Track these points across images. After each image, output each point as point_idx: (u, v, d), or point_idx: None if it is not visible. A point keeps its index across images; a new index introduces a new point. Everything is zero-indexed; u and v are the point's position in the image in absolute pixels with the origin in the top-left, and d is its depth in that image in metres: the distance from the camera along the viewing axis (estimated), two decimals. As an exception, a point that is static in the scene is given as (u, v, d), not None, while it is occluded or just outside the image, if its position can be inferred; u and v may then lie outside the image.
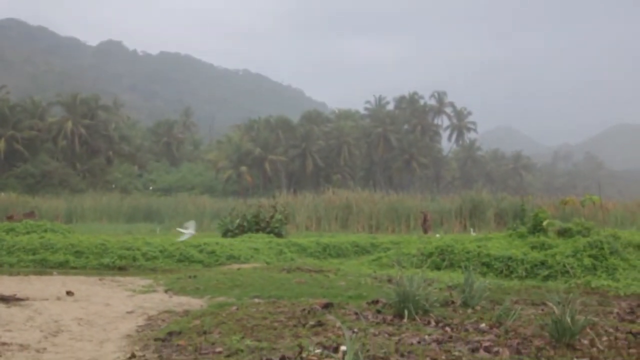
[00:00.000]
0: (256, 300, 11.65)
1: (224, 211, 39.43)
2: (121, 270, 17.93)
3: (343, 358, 6.79)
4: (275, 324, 9.23)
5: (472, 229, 34.76)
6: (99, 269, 17.86)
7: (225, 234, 28.63)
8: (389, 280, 14.27)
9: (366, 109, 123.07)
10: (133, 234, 30.85)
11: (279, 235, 27.90)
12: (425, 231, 33.79)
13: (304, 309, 10.39)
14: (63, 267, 18.16)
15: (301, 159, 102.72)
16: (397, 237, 28.98)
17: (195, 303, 11.51)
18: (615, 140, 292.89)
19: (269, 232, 28.00)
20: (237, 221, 29.66)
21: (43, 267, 18.35)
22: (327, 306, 10.68)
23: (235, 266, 18.55)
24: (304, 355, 7.16)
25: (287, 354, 7.20)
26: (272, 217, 30.12)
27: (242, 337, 8.16)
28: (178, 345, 7.91)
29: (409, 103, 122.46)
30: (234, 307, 10.67)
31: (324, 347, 7.57)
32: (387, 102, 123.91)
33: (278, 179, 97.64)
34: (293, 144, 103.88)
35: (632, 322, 9.74)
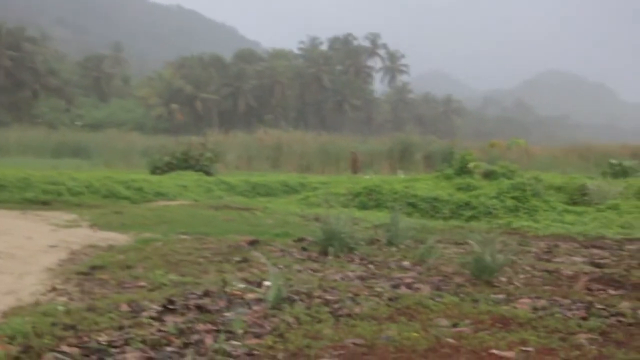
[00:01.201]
0: (182, 236, 11.56)
1: (154, 149, 38.75)
2: (45, 205, 17.38)
3: (266, 293, 6.82)
4: (200, 260, 9.20)
5: (400, 171, 35.02)
6: (22, 203, 17.28)
7: (153, 172, 28.23)
8: (316, 219, 14.33)
9: (300, 49, 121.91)
10: (59, 169, 30.09)
11: (208, 173, 27.68)
12: (355, 172, 34.02)
13: (230, 246, 10.40)
14: (-17, 201, 17.56)
15: (233, 98, 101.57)
16: (327, 177, 29.06)
17: (120, 238, 11.33)
18: (545, 86, 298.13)
19: (198, 170, 27.74)
20: (166, 159, 29.29)
21: (-38, 200, 17.71)
22: (253, 243, 10.72)
23: (163, 203, 18.36)
24: (227, 289, 7.16)
25: (210, 288, 7.19)
26: (201, 155, 29.85)
27: (166, 272, 8.10)
28: (100, 279, 7.81)
29: (343, 44, 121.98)
30: (159, 243, 10.59)
31: (248, 283, 7.60)
32: (321, 43, 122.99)
33: (209, 118, 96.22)
34: (225, 83, 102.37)
35: (548, 261, 10.07)
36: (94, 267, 8.50)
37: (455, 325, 6.09)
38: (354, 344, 5.47)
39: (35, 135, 52.99)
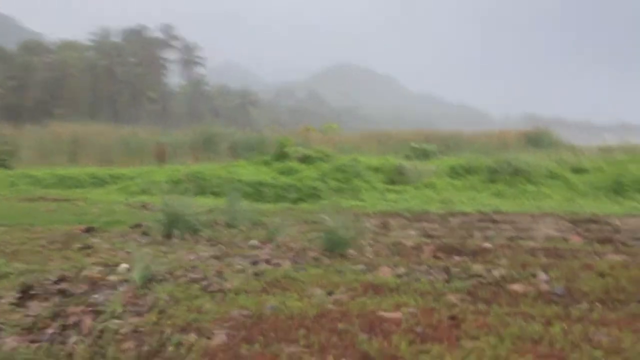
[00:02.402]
0: (2, 227, 10.80)
1: None
2: None
3: (129, 275, 6.60)
4: (38, 249, 8.69)
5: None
6: None
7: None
8: (144, 206, 14.01)
9: (91, 40, 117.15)
10: None
11: (8, 167, 25.97)
12: (161, 163, 33.39)
13: (65, 234, 9.90)
14: None
15: (20, 91, 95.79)
16: (137, 168, 28.31)
17: None
18: (336, 78, 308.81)
19: (-5, 165, 25.97)
20: (-43, 154, 27.20)
21: None
22: (89, 230, 10.29)
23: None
24: (85, 273, 6.81)
25: (65, 273, 6.80)
26: (-4, 148, 27.99)
27: (7, 261, 7.55)
28: None
29: (137, 35, 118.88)
30: (-16, 234, 9.83)
31: (104, 266, 7.28)
32: (113, 34, 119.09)
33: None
34: (10, 76, 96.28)
35: (386, 235, 10.48)
36: None
37: (330, 293, 6.19)
38: (242, 315, 5.40)
39: None
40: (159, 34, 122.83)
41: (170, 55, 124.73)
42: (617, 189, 16.01)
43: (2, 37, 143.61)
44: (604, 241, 9.33)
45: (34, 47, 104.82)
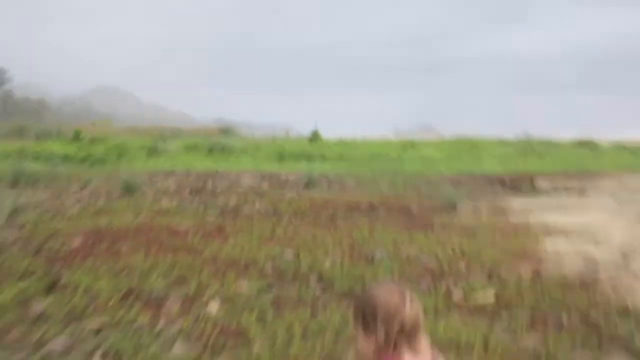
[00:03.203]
0: None
1: None
2: None
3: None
4: None
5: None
6: None
7: None
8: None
9: None
10: None
11: None
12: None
13: None
14: None
15: None
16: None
17: None
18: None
19: None
20: None
21: None
22: None
23: None
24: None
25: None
26: None
27: None
28: None
29: None
30: None
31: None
32: None
33: None
34: None
35: (158, 182, 12.36)
36: None
37: (137, 215, 8.11)
38: (87, 229, 7.18)
39: None
40: None
41: None
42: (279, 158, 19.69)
43: None
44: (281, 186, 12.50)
45: None
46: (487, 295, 4.82)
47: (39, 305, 4.37)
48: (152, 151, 20.04)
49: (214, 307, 4.43)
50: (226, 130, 36.03)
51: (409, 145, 23.74)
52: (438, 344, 3.80)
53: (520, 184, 13.34)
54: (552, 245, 6.87)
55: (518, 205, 10.15)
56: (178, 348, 3.64)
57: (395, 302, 1.67)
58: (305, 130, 27.65)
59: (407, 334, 1.66)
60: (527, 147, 23.65)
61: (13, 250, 6.11)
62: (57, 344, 3.70)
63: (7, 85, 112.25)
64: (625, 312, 4.40)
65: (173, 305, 4.46)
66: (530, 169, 16.60)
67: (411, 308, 1.67)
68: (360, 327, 1.70)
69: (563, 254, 6.49)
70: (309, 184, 12.41)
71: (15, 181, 11.13)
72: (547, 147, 23.68)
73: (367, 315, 1.68)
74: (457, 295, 4.83)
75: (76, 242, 6.57)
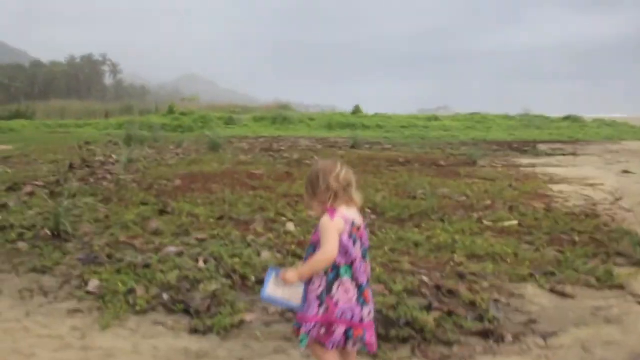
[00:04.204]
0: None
1: None
2: None
3: None
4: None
5: None
6: None
7: None
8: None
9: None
10: None
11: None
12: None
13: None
14: None
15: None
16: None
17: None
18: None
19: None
20: None
21: None
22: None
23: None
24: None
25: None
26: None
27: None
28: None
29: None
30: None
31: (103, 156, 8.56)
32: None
33: None
34: None
35: (244, 143, 12.35)
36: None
37: (222, 164, 8.09)
38: (184, 174, 7.23)
39: None
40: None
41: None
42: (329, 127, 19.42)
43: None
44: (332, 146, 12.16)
45: None
46: (511, 222, 4.65)
47: (154, 223, 4.40)
48: (229, 121, 20.30)
49: (291, 227, 4.38)
50: (284, 107, 36.25)
51: (432, 118, 23.42)
52: (476, 255, 3.75)
53: (525, 147, 12.97)
54: (557, 189, 6.61)
55: (526, 162, 9.81)
56: (266, 255, 3.59)
57: (331, 165, 1.84)
58: (348, 109, 27.41)
59: (343, 189, 1.79)
60: (528, 121, 23.13)
61: (131, 187, 6.19)
62: (172, 249, 3.71)
63: (118, 76, 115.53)
64: (624, 233, 4.22)
65: (258, 225, 4.42)
66: (531, 137, 16.26)
67: (343, 170, 1.83)
68: (311, 193, 1.84)
69: (567, 194, 6.25)
70: (355, 145, 12.23)
71: (128, 142, 11.36)
72: (543, 122, 23.08)
73: (313, 179, 1.83)
74: (488, 221, 4.67)
75: (177, 182, 6.62)
